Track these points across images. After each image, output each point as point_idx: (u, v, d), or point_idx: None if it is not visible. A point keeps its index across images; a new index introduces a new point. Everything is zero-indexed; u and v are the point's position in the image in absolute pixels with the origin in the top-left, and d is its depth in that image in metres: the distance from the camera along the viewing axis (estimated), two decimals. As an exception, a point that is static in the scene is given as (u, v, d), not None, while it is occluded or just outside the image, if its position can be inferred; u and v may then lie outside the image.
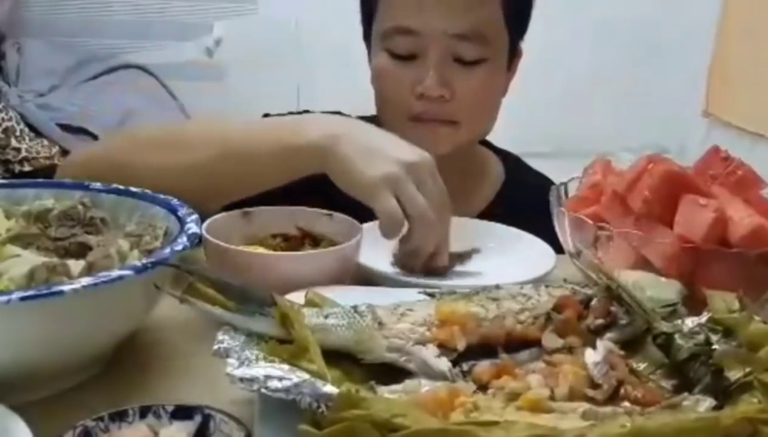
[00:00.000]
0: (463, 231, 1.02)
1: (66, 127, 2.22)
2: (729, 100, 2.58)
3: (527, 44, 1.24)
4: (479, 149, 1.31)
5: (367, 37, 1.22)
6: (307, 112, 1.25)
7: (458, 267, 0.95)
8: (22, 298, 0.58)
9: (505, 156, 1.35)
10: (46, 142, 2.16)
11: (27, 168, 2.08)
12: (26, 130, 2.13)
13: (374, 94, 1.20)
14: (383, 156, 0.89)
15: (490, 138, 1.30)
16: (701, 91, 2.70)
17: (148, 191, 0.83)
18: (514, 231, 1.04)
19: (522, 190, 1.14)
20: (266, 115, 1.23)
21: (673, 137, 2.57)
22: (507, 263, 0.95)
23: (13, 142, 2.08)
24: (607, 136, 2.56)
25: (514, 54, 1.21)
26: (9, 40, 2.42)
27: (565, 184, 0.99)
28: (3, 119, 2.07)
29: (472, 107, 1.14)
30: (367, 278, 0.90)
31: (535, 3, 1.21)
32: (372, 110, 1.22)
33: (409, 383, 0.66)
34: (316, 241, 0.93)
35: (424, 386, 0.65)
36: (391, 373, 0.67)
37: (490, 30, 1.13)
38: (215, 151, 0.96)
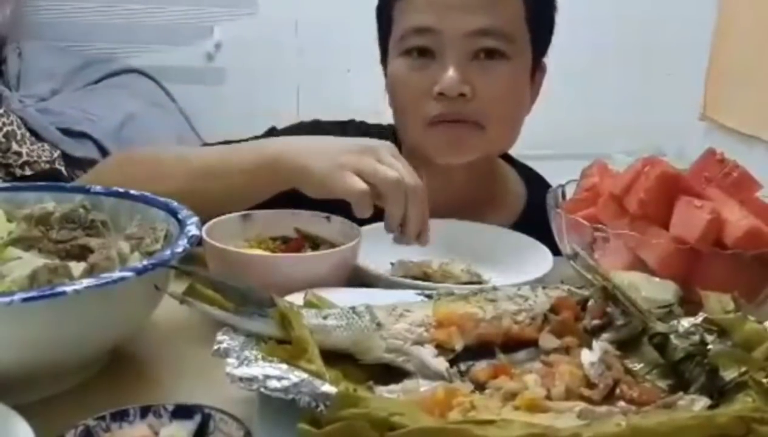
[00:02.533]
0: (461, 233, 1.03)
1: (67, 131, 2.22)
2: (726, 103, 2.59)
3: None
4: (499, 165, 1.27)
5: (383, 60, 1.19)
6: (317, 121, 1.26)
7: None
8: (25, 299, 0.59)
9: (527, 174, 1.30)
10: (46, 146, 2.16)
11: (28, 172, 2.09)
12: (27, 134, 2.13)
13: (392, 104, 1.16)
14: (338, 150, 0.92)
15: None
16: (699, 94, 2.70)
17: (147, 194, 0.84)
18: (512, 233, 1.04)
19: (544, 212, 1.01)
20: (273, 128, 1.24)
21: (671, 140, 2.58)
22: (505, 265, 0.96)
23: (14, 146, 2.08)
24: (605, 139, 2.57)
25: (537, 63, 1.17)
26: (10, 44, 2.42)
27: (562, 187, 1.00)
28: (4, 123, 2.08)
29: (495, 107, 1.09)
30: (365, 280, 0.90)
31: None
32: (370, 115, 1.22)
33: (407, 383, 0.66)
34: (315, 244, 0.94)
35: (422, 386, 0.66)
36: (390, 373, 0.68)
37: (511, 28, 1.10)
38: (182, 181, 0.97)
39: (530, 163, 1.36)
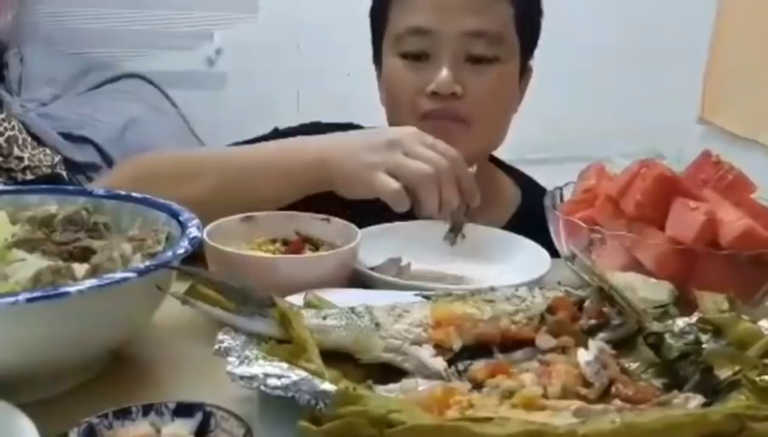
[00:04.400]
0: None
1: (68, 136, 2.23)
2: (724, 106, 2.60)
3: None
4: (491, 170, 1.30)
5: (376, 60, 1.23)
6: (318, 123, 1.27)
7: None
8: (29, 299, 0.60)
9: (520, 178, 1.33)
10: (48, 151, 2.17)
11: (29, 176, 2.10)
12: (29, 138, 2.14)
13: (385, 100, 1.21)
14: (365, 149, 0.96)
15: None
16: (697, 97, 2.72)
17: (149, 196, 0.84)
18: (509, 235, 1.05)
19: (540, 215, 1.02)
20: (276, 129, 1.26)
21: (669, 143, 2.58)
22: (502, 266, 0.97)
23: (16, 151, 2.09)
24: (604, 142, 2.58)
25: (524, 66, 1.22)
26: (12, 49, 2.43)
27: (560, 189, 1.01)
28: (6, 128, 2.09)
29: (484, 107, 1.14)
30: (364, 281, 0.91)
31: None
32: (371, 119, 1.23)
33: (405, 382, 0.67)
34: (315, 246, 0.95)
35: (421, 385, 0.66)
36: (389, 373, 0.69)
37: (502, 31, 1.15)
38: (214, 180, 1.00)
39: (530, 167, 1.37)
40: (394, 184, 0.93)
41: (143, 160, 1.16)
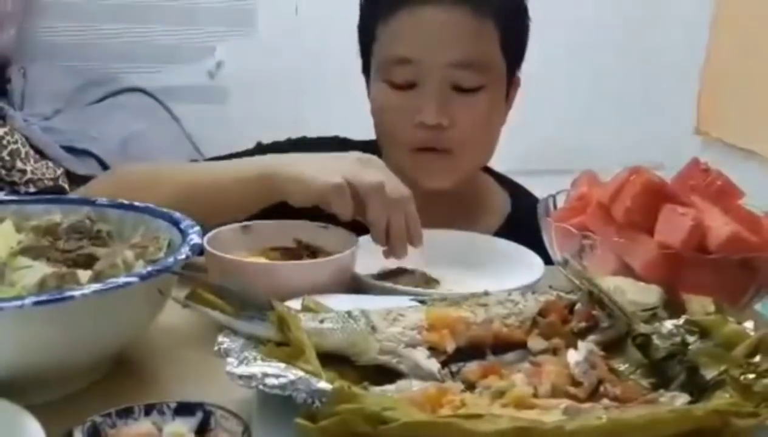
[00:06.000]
0: (453, 242, 1.06)
1: (70, 149, 2.24)
2: (721, 117, 2.63)
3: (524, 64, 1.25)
4: (482, 179, 1.31)
5: (365, 69, 1.24)
6: (303, 138, 1.29)
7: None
8: (35, 303, 0.62)
9: (511, 186, 1.34)
10: (50, 164, 2.19)
11: (32, 189, 2.11)
12: (31, 152, 2.16)
13: (374, 125, 1.21)
14: (329, 158, 0.97)
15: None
16: (694, 109, 2.74)
17: (151, 205, 0.87)
18: (503, 242, 1.07)
19: (529, 222, 1.02)
20: (259, 144, 1.28)
21: (667, 154, 2.60)
22: (497, 273, 0.99)
23: (19, 164, 2.12)
24: (602, 154, 2.59)
25: (511, 83, 1.22)
26: (15, 64, 2.45)
27: (553, 197, 1.03)
28: (9, 142, 2.11)
29: (469, 136, 1.15)
30: (362, 288, 0.93)
31: (529, 32, 1.22)
32: (370, 132, 1.25)
33: (400, 384, 0.68)
34: (313, 253, 0.96)
35: (415, 386, 0.68)
36: (384, 375, 0.70)
37: (488, 58, 1.15)
38: (170, 191, 0.99)
39: (528, 178, 1.38)
40: (337, 178, 0.91)
41: (120, 172, 1.20)
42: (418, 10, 1.13)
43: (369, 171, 0.94)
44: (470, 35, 1.13)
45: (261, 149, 1.25)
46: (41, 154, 2.19)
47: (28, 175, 2.12)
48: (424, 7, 1.12)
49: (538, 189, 1.34)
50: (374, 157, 0.98)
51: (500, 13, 1.15)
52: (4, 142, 2.09)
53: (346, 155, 0.98)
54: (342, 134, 1.32)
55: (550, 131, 2.63)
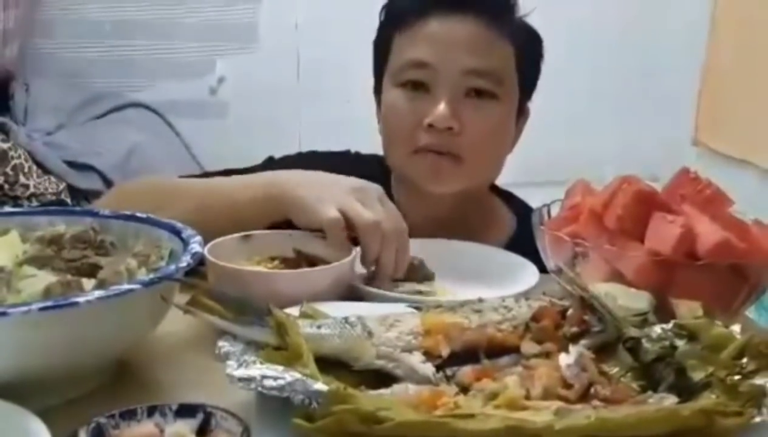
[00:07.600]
0: (449, 251, 1.08)
1: (72, 164, 2.27)
2: (718, 128, 2.65)
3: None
4: (488, 199, 1.32)
5: (377, 90, 1.25)
6: (314, 152, 1.31)
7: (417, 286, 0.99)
8: (41, 309, 0.64)
9: (517, 205, 1.35)
10: (53, 179, 2.21)
11: (35, 203, 2.14)
12: (34, 167, 2.18)
13: (382, 131, 1.23)
14: (329, 185, 0.98)
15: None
16: (692, 120, 2.76)
17: (152, 216, 0.88)
18: (499, 251, 1.09)
19: (534, 242, 1.02)
20: (271, 158, 1.30)
21: (665, 165, 2.62)
22: (492, 282, 1.00)
23: (22, 179, 2.14)
24: (600, 165, 2.61)
25: (521, 112, 1.24)
26: (18, 80, 2.48)
27: (548, 206, 1.04)
28: (12, 157, 2.13)
29: (479, 144, 1.16)
30: (360, 297, 0.94)
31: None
32: (372, 145, 1.27)
33: (396, 387, 0.70)
34: (312, 263, 0.98)
35: (411, 390, 0.69)
36: (380, 379, 0.72)
37: (503, 71, 1.17)
38: (180, 210, 0.99)
39: (527, 190, 1.40)
40: (334, 213, 0.94)
41: (124, 189, 1.22)
42: (437, 21, 1.16)
43: (366, 202, 0.96)
44: (488, 46, 1.16)
45: (271, 163, 1.27)
46: (44, 168, 2.22)
47: (31, 190, 2.14)
48: (442, 19, 1.15)
49: (542, 198, 1.35)
50: (372, 185, 0.99)
51: (517, 34, 1.18)
52: (8, 157, 2.11)
53: (343, 182, 0.99)
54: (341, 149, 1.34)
55: (548, 145, 2.63)
